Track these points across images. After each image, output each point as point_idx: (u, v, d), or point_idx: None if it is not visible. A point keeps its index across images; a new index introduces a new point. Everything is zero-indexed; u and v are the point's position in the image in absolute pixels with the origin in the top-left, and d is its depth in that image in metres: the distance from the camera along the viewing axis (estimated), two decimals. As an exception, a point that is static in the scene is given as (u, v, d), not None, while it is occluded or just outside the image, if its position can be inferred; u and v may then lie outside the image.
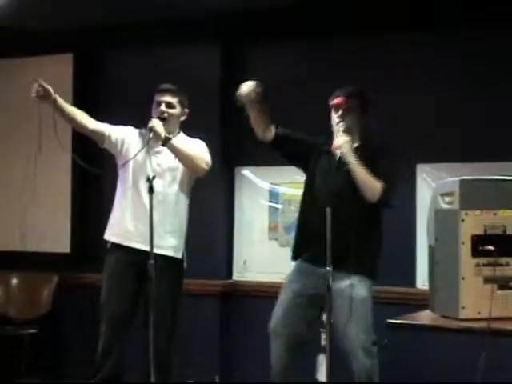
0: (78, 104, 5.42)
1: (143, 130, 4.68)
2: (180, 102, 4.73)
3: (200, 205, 5.59)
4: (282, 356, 4.30)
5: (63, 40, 5.98)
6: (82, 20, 5.73)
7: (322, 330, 4.73)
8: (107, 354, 4.56)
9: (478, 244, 3.08)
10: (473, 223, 3.10)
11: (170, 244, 4.59)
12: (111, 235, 4.65)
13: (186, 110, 4.76)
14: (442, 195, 3.25)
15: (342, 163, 4.18)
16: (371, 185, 4.15)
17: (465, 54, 5.03)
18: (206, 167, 4.66)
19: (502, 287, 3.08)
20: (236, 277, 5.67)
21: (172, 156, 4.62)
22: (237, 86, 5.55)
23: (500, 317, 2.99)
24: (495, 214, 3.13)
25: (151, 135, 4.52)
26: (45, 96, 4.37)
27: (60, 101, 4.44)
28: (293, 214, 5.45)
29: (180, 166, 4.63)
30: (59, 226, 5.98)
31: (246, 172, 5.68)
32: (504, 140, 4.89)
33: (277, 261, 5.51)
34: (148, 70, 5.79)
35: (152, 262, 4.15)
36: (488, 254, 3.07)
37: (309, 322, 4.35)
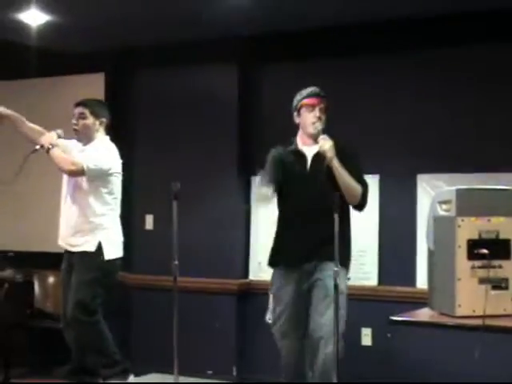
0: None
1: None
2: (92, 113, 4.72)
3: (219, 211, 5.62)
4: (296, 351, 4.16)
5: (96, 61, 5.99)
6: (113, 42, 5.75)
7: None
8: None
9: (473, 248, 3.08)
10: (468, 229, 3.10)
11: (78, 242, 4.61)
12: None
13: (103, 119, 4.73)
14: (440, 203, 3.25)
15: (314, 164, 4.05)
16: (354, 189, 4.03)
17: (461, 76, 5.03)
18: (71, 168, 4.55)
19: (495, 287, 3.08)
20: (252, 277, 5.66)
21: None
22: (252, 102, 5.61)
23: (493, 314, 2.99)
24: (489, 221, 3.13)
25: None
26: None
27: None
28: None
29: None
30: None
31: (261, 182, 5.68)
32: (497, 153, 4.88)
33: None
34: (173, 88, 5.80)
35: None
36: (482, 256, 3.07)
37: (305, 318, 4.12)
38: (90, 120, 4.69)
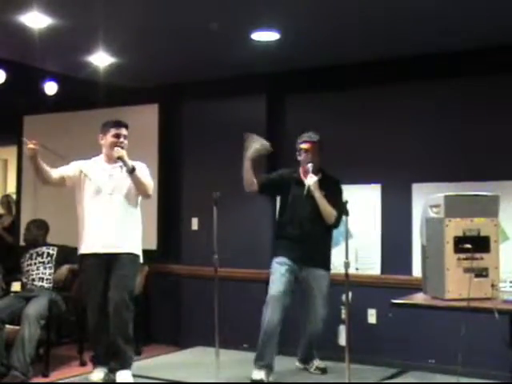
0: (162, 146, 5.37)
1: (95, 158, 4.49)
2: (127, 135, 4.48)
3: (250, 214, 5.64)
4: (278, 314, 4.40)
5: (151, 94, 6.00)
6: (165, 79, 5.77)
7: (342, 306, 4.75)
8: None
9: (459, 243, 3.09)
10: (454, 228, 3.10)
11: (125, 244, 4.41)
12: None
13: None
14: (431, 207, 3.25)
15: (308, 193, 4.40)
16: (330, 213, 4.46)
17: (448, 105, 5.02)
18: (151, 194, 4.46)
19: (478, 275, 3.07)
20: (278, 267, 5.65)
21: (121, 176, 4.38)
22: (278, 128, 5.62)
23: (476, 298, 2.99)
24: (472, 221, 3.12)
25: (121, 163, 4.31)
26: (35, 154, 4.12)
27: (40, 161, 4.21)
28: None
29: (129, 185, 4.39)
30: (148, 229, 6.01)
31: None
32: (479, 165, 4.85)
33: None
34: (213, 116, 5.80)
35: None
36: (466, 250, 3.07)
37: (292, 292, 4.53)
38: (127, 141, 4.47)
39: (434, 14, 4.10)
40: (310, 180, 4.42)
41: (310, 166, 4.45)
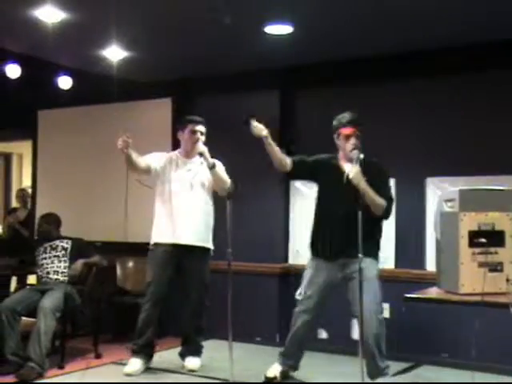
0: (174, 140, 5.37)
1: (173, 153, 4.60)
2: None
3: (264, 209, 5.64)
4: (308, 326, 4.25)
5: (164, 88, 6.01)
6: (178, 73, 5.77)
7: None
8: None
9: (474, 237, 3.07)
10: (469, 222, 3.08)
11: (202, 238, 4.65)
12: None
13: None
14: (446, 201, 3.23)
15: (348, 182, 3.89)
16: (378, 204, 3.95)
17: (461, 99, 4.98)
18: (228, 189, 4.51)
19: (492, 270, 3.06)
20: (291, 261, 5.66)
21: (199, 172, 4.53)
22: (290, 121, 5.62)
23: (490, 292, 2.97)
24: (486, 215, 3.11)
25: (202, 159, 4.42)
26: (126, 147, 4.21)
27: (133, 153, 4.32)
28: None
29: (207, 180, 4.55)
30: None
31: (299, 184, 5.67)
32: (492, 159, 4.82)
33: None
34: (227, 110, 5.79)
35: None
36: (481, 245, 3.05)
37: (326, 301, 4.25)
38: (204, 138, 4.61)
39: (459, 5, 4.05)
40: (351, 170, 3.88)
41: (354, 153, 3.95)
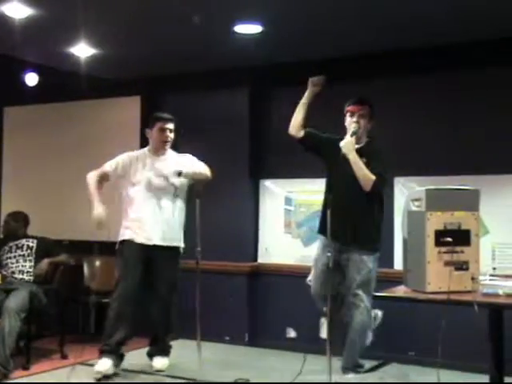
0: (143, 138, 5.36)
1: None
2: (175, 130, 4.60)
3: (233, 208, 5.63)
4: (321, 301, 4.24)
5: (133, 86, 5.96)
6: (147, 71, 5.73)
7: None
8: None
9: (440, 236, 3.07)
10: (435, 221, 3.09)
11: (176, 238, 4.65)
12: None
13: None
14: (413, 200, 3.24)
15: (344, 157, 4.03)
16: (366, 177, 4.02)
17: (426, 99, 5.04)
18: (210, 176, 4.57)
19: (458, 269, 3.06)
20: (260, 260, 5.67)
21: (169, 170, 4.50)
22: (260, 119, 5.62)
23: (456, 290, 2.99)
24: (452, 214, 3.12)
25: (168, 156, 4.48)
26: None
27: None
28: (303, 214, 5.48)
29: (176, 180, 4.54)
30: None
31: (268, 183, 5.69)
32: (459, 160, 4.88)
33: (290, 248, 5.52)
34: (196, 108, 5.79)
35: None
36: (447, 244, 3.06)
37: (337, 284, 4.20)
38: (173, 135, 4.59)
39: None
40: (344, 140, 4.05)
41: (352, 126, 4.12)
